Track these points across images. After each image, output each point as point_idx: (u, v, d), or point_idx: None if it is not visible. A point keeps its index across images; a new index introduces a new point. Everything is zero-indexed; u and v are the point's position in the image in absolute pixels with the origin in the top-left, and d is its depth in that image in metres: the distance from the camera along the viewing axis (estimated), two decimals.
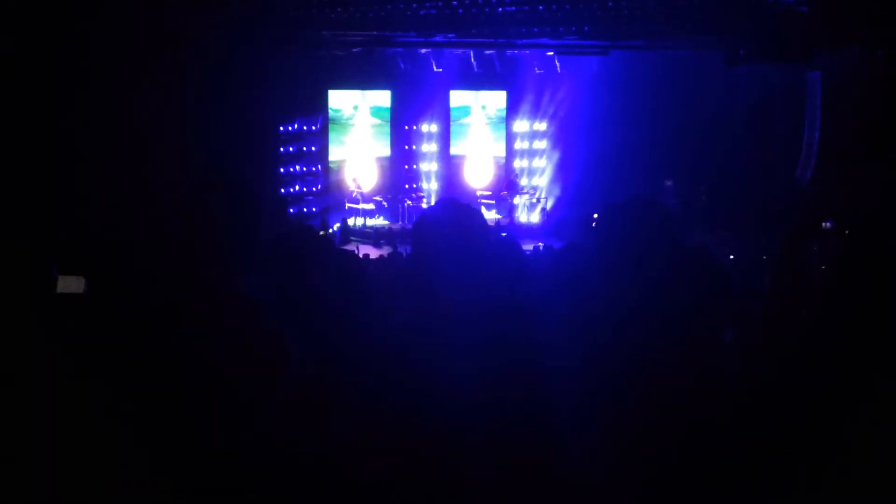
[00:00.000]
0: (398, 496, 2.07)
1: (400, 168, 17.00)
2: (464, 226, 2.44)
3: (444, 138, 17.36)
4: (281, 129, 14.80)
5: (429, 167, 17.24)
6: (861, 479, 1.93)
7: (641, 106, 15.24)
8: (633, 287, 2.41)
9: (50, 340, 1.98)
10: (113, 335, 2.01)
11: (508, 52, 15.89)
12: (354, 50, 14.60)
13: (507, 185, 17.15)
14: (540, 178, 17.82)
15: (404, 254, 10.72)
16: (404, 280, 4.05)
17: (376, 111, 16.68)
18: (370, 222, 16.02)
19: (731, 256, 10.72)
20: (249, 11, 10.55)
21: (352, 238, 15.14)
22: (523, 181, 17.65)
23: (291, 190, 15.28)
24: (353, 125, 16.44)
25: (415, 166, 17.16)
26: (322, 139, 15.90)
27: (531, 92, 17.28)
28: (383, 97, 16.67)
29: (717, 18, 11.81)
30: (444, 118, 17.29)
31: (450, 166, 17.42)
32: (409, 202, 16.14)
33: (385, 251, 13.00)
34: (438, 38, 13.59)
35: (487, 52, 15.92)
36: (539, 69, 16.97)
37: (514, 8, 12.01)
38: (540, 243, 13.00)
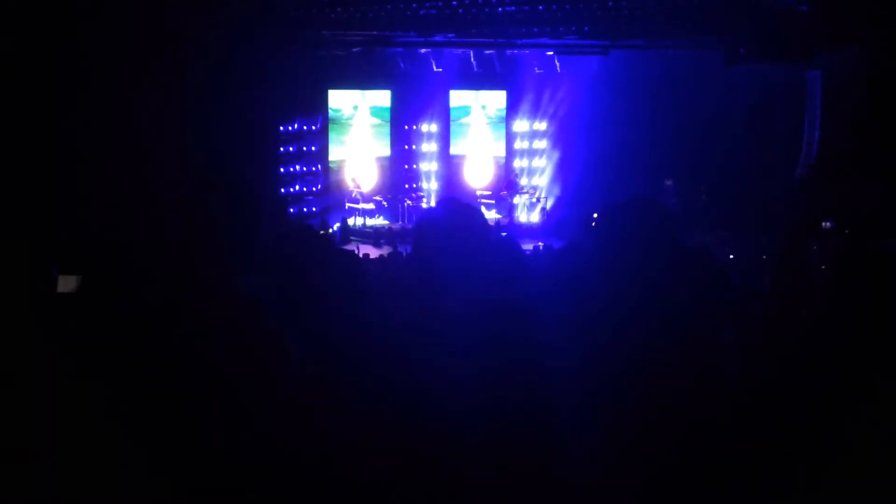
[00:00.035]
0: (398, 496, 2.07)
1: (400, 168, 17.00)
2: (465, 226, 2.44)
3: (444, 138, 17.36)
4: (281, 129, 14.80)
5: (429, 167, 17.24)
6: (861, 479, 1.93)
7: (641, 106, 15.24)
8: (633, 287, 2.41)
9: (50, 340, 1.98)
10: (113, 335, 2.01)
11: (508, 51, 15.89)
12: (354, 50, 14.61)
13: (506, 184, 17.15)
14: (540, 177, 17.82)
15: (404, 253, 10.72)
16: (404, 280, 4.05)
17: (376, 111, 16.69)
18: (370, 222, 16.02)
19: (731, 256, 10.73)
20: (249, 11, 10.54)
21: (352, 238, 15.14)
22: (523, 181, 17.65)
23: (291, 190, 15.28)
24: (352, 125, 16.44)
25: (415, 166, 17.16)
26: (322, 139, 15.90)
27: (531, 92, 17.27)
28: (383, 97, 16.68)
29: (717, 18, 11.81)
30: (444, 118, 17.30)
31: (450, 166, 17.42)
32: (409, 202, 16.14)
33: (385, 251, 12.99)
34: (438, 38, 13.60)
35: (487, 51, 15.92)
36: (539, 69, 16.97)
37: (514, 8, 12.01)
38: (540, 243, 13.01)
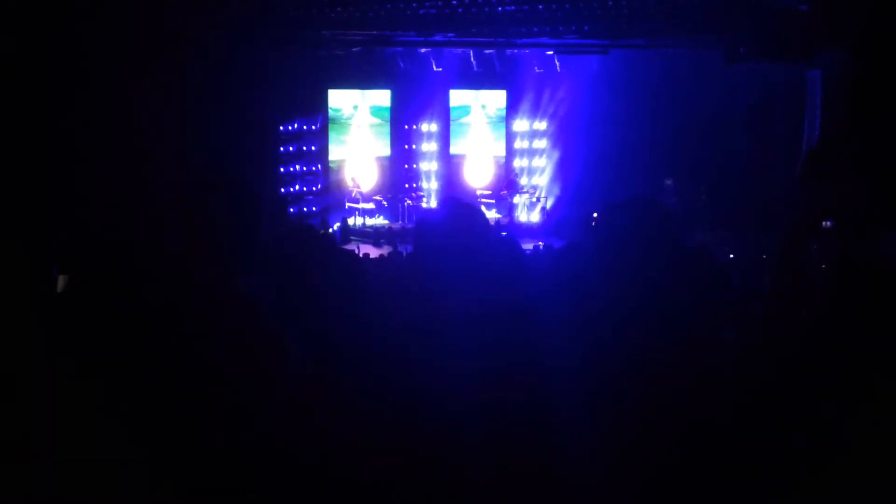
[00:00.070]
0: (398, 496, 2.07)
1: (400, 167, 17.00)
2: (466, 226, 2.44)
3: (444, 138, 17.36)
4: (281, 128, 14.80)
5: (429, 166, 17.24)
6: (861, 479, 1.93)
7: (641, 105, 15.23)
8: (633, 287, 2.41)
9: (50, 340, 1.98)
10: (113, 335, 2.01)
11: (508, 51, 15.88)
12: (354, 49, 14.60)
13: (506, 184, 17.15)
14: (540, 177, 17.82)
15: (404, 253, 10.72)
16: (404, 280, 4.06)
17: (376, 111, 16.69)
18: (370, 222, 16.02)
19: (731, 256, 10.73)
20: (249, 11, 10.54)
21: (352, 237, 15.14)
22: (523, 180, 17.65)
23: (291, 190, 15.28)
24: (352, 125, 16.44)
25: (415, 166, 17.16)
26: (322, 139, 15.90)
27: (531, 91, 17.27)
28: (383, 97, 16.67)
29: (717, 17, 11.81)
30: (444, 117, 17.29)
31: (450, 165, 17.42)
32: (409, 202, 16.14)
33: (385, 250, 12.99)
34: (438, 38, 13.59)
35: (487, 51, 15.91)
36: (539, 68, 16.96)
37: (513, 7, 12.00)
38: (540, 243, 13.01)
